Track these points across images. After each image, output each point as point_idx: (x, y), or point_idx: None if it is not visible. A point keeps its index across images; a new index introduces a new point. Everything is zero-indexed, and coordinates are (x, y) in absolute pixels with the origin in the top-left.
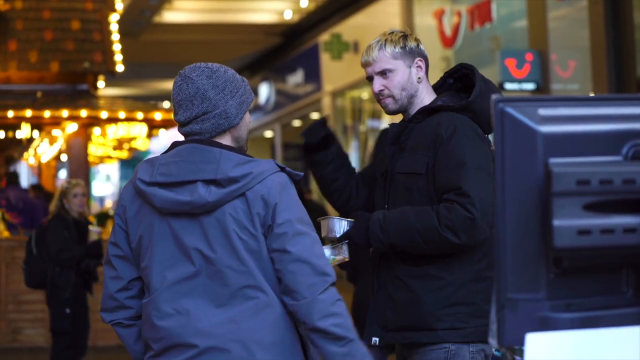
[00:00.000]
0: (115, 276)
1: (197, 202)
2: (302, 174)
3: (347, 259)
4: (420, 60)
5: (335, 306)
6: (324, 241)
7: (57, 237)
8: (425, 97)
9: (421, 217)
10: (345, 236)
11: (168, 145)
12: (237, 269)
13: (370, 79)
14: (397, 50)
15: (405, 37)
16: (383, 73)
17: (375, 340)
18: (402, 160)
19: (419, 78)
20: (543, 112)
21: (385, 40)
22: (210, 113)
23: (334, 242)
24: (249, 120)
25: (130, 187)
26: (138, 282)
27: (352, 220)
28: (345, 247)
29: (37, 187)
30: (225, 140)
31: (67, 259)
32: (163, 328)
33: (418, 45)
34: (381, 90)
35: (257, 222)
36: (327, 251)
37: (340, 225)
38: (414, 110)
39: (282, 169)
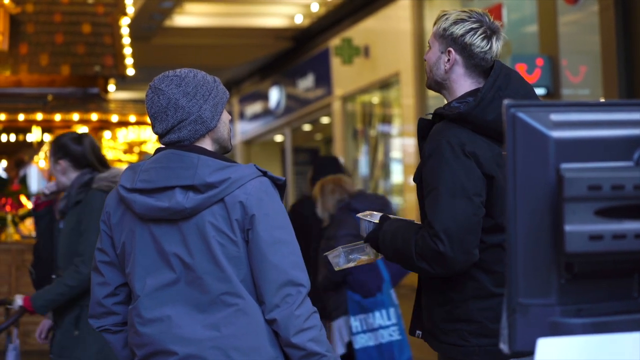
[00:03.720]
0: (102, 282)
1: (174, 208)
2: (284, 178)
3: (373, 259)
4: (452, 51)
5: (310, 320)
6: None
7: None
8: (457, 92)
9: (405, 242)
10: (365, 239)
11: None
12: (216, 275)
13: None
14: (439, 30)
15: (457, 22)
16: (429, 45)
17: (418, 333)
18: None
19: (446, 68)
20: (555, 117)
21: (441, 16)
22: (185, 121)
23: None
24: (227, 119)
25: (115, 194)
26: (125, 288)
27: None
28: (369, 248)
29: None
30: (206, 143)
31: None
32: (145, 334)
33: (462, 37)
34: (425, 60)
35: (237, 227)
36: (352, 252)
37: (367, 227)
38: (446, 102)
39: (264, 174)
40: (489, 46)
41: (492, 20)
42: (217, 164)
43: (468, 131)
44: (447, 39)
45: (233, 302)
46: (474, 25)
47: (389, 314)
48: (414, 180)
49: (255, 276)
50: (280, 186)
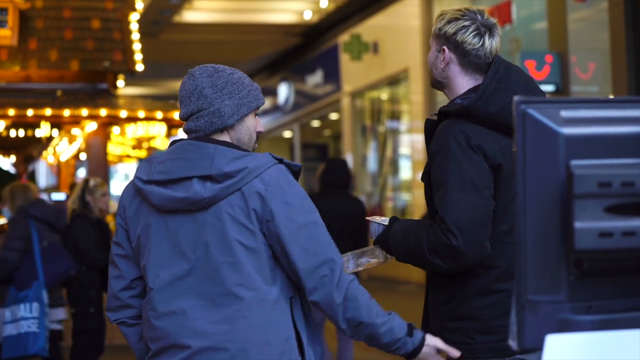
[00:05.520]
0: (118, 275)
1: (192, 198)
2: (300, 164)
3: (383, 262)
4: (446, 49)
5: (350, 291)
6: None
7: (86, 236)
8: (456, 90)
9: (416, 238)
10: (375, 241)
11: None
12: (231, 267)
13: None
14: (435, 29)
15: (451, 21)
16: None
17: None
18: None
19: (442, 67)
20: (565, 113)
21: (439, 16)
22: (204, 110)
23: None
24: (254, 125)
25: (130, 186)
26: (141, 282)
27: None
28: (379, 250)
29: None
30: (224, 139)
31: (97, 259)
32: (160, 328)
33: (454, 35)
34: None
35: (254, 217)
36: (361, 255)
37: (377, 229)
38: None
39: (280, 161)
40: (480, 43)
41: (486, 17)
42: (233, 154)
43: (473, 125)
44: (441, 38)
45: (247, 294)
46: (465, 23)
47: (32, 308)
48: (422, 179)
49: (288, 265)
50: (295, 172)
